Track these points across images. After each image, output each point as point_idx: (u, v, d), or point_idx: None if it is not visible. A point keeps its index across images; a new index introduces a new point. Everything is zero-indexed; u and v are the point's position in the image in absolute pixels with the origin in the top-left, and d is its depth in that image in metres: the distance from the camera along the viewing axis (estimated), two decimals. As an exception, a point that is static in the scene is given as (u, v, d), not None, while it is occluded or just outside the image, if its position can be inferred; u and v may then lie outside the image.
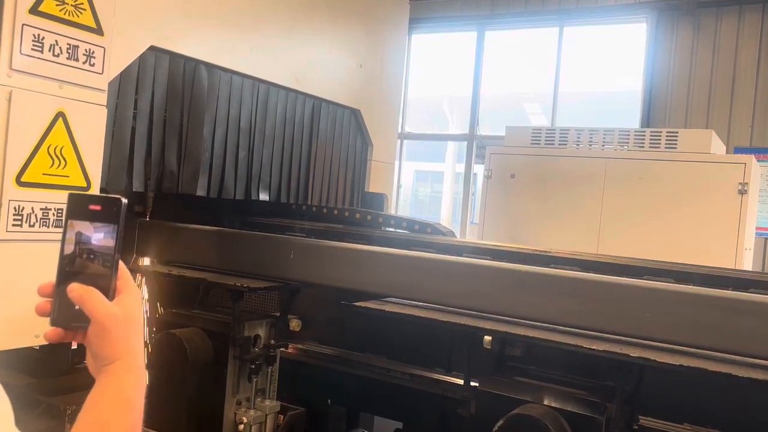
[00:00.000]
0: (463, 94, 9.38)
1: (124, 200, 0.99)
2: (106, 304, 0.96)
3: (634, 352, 2.10)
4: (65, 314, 0.97)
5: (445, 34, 9.73)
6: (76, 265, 0.98)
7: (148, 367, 3.02)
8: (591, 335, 2.31)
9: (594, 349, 2.15)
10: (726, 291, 2.27)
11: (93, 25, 2.33)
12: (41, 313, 0.99)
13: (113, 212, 0.98)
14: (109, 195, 1.00)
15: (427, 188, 15.92)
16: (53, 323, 0.98)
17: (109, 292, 0.97)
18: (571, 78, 8.71)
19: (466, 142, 9.24)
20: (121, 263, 1.00)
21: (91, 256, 0.98)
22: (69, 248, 0.98)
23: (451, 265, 2.68)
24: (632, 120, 7.95)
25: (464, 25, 9.17)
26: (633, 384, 2.29)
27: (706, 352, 2.14)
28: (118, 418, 0.94)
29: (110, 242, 0.98)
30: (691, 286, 2.31)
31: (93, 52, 2.33)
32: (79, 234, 0.98)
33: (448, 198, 12.41)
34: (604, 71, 9.48)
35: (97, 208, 0.98)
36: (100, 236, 0.98)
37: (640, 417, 2.34)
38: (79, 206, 0.99)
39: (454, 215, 10.99)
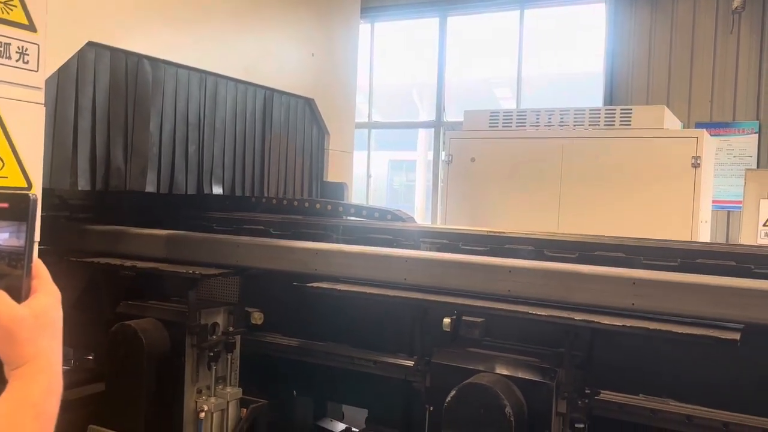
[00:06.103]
0: (431, 81, 9.38)
1: (33, 196, 0.95)
2: (9, 306, 0.91)
3: (579, 317, 2.15)
4: None
5: (407, 21, 9.72)
6: None
7: (104, 359, 3.00)
8: (541, 304, 2.34)
9: (539, 315, 2.22)
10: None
11: (25, 21, 2.28)
12: None
13: (22, 210, 0.95)
14: (18, 192, 0.97)
15: (402, 177, 15.91)
16: None
17: (21, 292, 0.94)
18: (537, 61, 8.75)
19: (434, 129, 9.27)
20: (39, 262, 0.96)
21: (1, 256, 0.95)
22: None
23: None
24: (596, 101, 8.01)
25: (426, 11, 9.17)
26: (585, 350, 2.33)
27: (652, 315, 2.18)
28: (21, 425, 0.88)
29: (20, 241, 0.94)
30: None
31: (26, 50, 2.29)
32: None
33: (421, 186, 12.40)
34: (569, 53, 9.53)
35: (5, 205, 0.95)
36: (8, 235, 0.94)
37: (600, 391, 2.38)
38: None
39: (427, 203, 11.00)
